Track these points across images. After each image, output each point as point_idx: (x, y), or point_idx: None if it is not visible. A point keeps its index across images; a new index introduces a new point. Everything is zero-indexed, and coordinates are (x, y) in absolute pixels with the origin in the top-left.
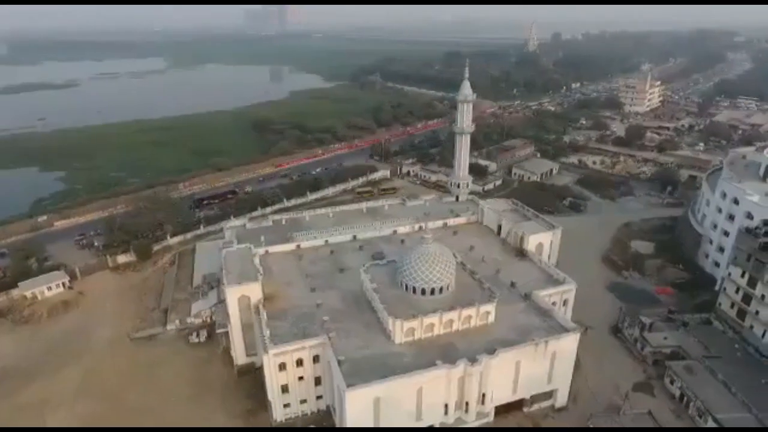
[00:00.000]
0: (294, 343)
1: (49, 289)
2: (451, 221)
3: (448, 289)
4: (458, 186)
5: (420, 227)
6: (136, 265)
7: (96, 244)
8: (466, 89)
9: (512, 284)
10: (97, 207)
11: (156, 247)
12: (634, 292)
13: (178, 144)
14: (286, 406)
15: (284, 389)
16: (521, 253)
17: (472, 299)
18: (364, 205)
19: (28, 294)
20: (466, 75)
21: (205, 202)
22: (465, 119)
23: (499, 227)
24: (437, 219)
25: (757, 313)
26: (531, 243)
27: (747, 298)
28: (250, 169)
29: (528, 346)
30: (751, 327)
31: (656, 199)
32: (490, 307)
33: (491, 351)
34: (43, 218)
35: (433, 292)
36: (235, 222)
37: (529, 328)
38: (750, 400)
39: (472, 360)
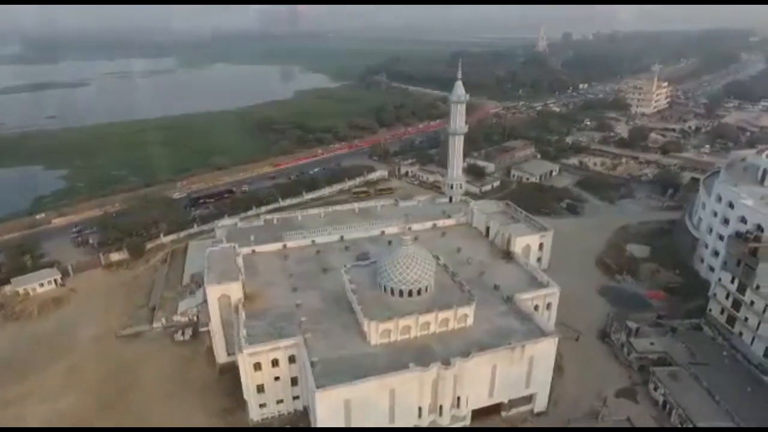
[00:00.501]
0: (268, 343)
1: (41, 285)
2: (440, 223)
3: (426, 291)
4: (452, 187)
5: (409, 228)
6: (128, 262)
7: (91, 241)
8: (459, 90)
9: (495, 287)
10: (95, 205)
11: (149, 245)
12: (626, 296)
13: (180, 143)
14: (262, 405)
15: (260, 389)
16: (508, 255)
17: (450, 302)
18: (356, 205)
19: (21, 290)
20: (459, 75)
21: (201, 201)
22: (458, 120)
23: (488, 229)
24: (426, 220)
25: (746, 319)
26: (518, 245)
27: (737, 304)
28: (249, 168)
29: (504, 350)
30: (740, 334)
31: (656, 201)
32: (468, 310)
33: (467, 354)
34: (41, 215)
35: (410, 293)
36: (226, 221)
37: (509, 332)
38: (733, 408)
39: (446, 363)
